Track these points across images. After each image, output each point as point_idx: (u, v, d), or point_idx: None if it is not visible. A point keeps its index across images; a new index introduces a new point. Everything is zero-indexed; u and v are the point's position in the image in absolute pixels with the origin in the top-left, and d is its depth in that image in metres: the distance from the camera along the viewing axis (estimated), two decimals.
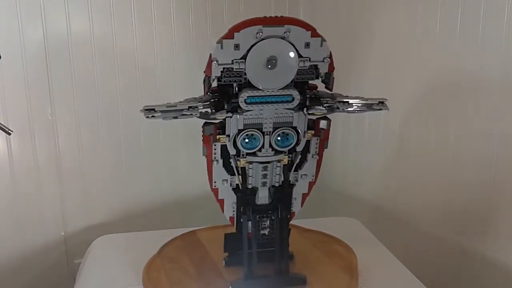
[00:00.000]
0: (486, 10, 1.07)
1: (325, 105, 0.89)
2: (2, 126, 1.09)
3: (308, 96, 0.90)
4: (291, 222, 1.18)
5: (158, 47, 1.45)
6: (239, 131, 0.87)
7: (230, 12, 1.48)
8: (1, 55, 1.11)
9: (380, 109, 0.84)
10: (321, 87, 0.90)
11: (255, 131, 0.87)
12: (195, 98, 0.86)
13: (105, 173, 1.47)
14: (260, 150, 0.89)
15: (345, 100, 0.85)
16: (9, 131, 1.11)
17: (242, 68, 0.83)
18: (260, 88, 0.84)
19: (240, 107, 0.86)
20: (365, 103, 0.85)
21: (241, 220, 0.94)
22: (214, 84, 0.88)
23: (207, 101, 0.88)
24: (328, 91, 0.89)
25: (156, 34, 1.44)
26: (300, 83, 0.88)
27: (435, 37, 1.20)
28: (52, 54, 1.35)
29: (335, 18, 1.54)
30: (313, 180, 0.95)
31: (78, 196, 1.46)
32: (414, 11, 1.25)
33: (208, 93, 0.90)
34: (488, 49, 1.08)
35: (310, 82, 0.89)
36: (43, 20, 1.32)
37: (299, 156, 0.92)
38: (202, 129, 0.89)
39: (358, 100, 0.85)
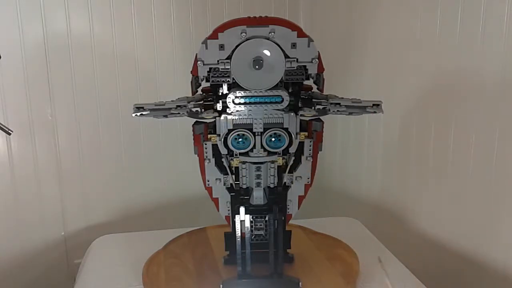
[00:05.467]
0: (486, 10, 1.07)
1: (318, 106, 0.88)
2: (2, 126, 1.10)
3: (302, 97, 0.90)
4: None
5: (158, 47, 1.45)
6: (229, 131, 0.87)
7: (230, 14, 1.48)
8: (1, 55, 1.11)
9: (375, 112, 0.83)
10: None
11: (245, 132, 0.87)
12: (187, 97, 0.86)
13: (105, 173, 1.48)
14: (252, 150, 0.89)
15: (337, 102, 0.84)
16: (9, 131, 1.11)
17: (228, 68, 0.83)
18: (247, 88, 0.84)
19: (228, 107, 0.86)
20: (358, 106, 0.84)
21: (234, 219, 0.94)
22: (207, 84, 0.88)
23: (200, 100, 0.89)
24: (323, 93, 0.89)
25: (156, 34, 1.44)
26: (292, 84, 0.88)
27: (435, 37, 1.20)
28: (52, 54, 1.35)
29: (335, 19, 1.54)
30: (309, 183, 0.95)
31: (78, 196, 1.46)
32: (414, 12, 1.25)
33: (201, 93, 0.90)
34: (488, 49, 1.08)
35: (305, 83, 0.89)
36: (43, 20, 1.33)
37: (293, 158, 0.92)
38: (192, 128, 0.90)
39: (352, 102, 0.84)
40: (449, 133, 1.20)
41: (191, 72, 0.86)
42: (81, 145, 1.43)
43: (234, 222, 0.94)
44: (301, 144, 0.91)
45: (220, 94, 0.89)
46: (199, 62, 0.84)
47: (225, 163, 0.92)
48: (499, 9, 1.03)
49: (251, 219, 0.96)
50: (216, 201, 0.97)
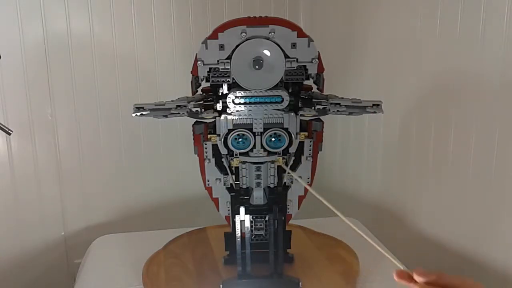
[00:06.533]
0: (486, 10, 1.07)
1: (318, 106, 0.88)
2: (2, 126, 1.10)
3: (302, 97, 0.90)
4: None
5: (158, 47, 1.45)
6: (229, 131, 0.87)
7: (230, 14, 1.48)
8: (1, 55, 1.11)
9: (375, 112, 0.83)
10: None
11: (245, 132, 0.87)
12: (187, 97, 0.86)
13: (105, 173, 1.48)
14: (252, 150, 0.89)
15: (337, 102, 0.84)
16: (9, 131, 1.11)
17: (228, 68, 0.83)
18: (247, 88, 0.84)
19: (228, 107, 0.86)
20: (358, 106, 0.84)
21: (234, 219, 0.94)
22: (207, 84, 0.88)
23: (200, 100, 0.89)
24: (323, 93, 0.89)
25: (156, 34, 1.44)
26: (292, 84, 0.88)
27: (435, 38, 1.20)
28: (52, 54, 1.35)
29: (335, 19, 1.54)
30: (309, 183, 0.95)
31: (78, 196, 1.46)
32: (414, 12, 1.25)
33: (201, 93, 0.90)
34: (488, 50, 1.08)
35: (305, 83, 0.89)
36: (43, 20, 1.33)
37: (293, 158, 0.92)
38: (192, 128, 0.90)
39: (352, 102, 0.84)
40: (449, 133, 1.20)
41: (191, 72, 0.87)
42: (81, 145, 1.43)
43: (234, 222, 0.94)
44: (301, 144, 0.91)
45: (220, 94, 0.89)
46: (199, 62, 0.84)
47: (225, 163, 0.92)
48: (499, 9, 1.03)
49: (251, 219, 0.96)
50: (216, 201, 0.97)
